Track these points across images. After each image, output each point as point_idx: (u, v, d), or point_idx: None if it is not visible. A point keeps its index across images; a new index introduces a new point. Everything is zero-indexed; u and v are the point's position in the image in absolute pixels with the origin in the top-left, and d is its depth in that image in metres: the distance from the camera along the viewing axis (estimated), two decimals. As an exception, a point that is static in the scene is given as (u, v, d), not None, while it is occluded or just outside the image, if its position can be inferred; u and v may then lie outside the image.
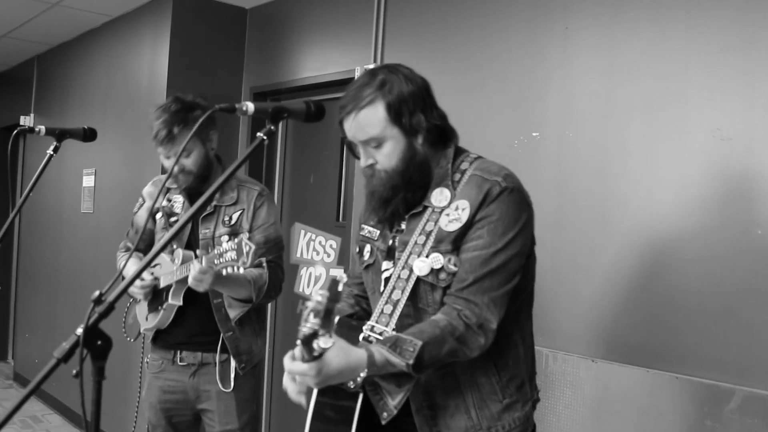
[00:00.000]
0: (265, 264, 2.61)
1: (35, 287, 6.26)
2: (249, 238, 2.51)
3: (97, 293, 1.30)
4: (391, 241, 1.78)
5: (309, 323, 1.30)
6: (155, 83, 4.44)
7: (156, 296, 2.70)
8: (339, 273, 1.48)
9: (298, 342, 1.35)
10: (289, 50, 4.29)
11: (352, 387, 1.57)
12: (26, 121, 6.33)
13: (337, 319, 1.73)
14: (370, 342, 1.61)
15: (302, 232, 4.61)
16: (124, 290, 1.35)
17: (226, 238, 2.57)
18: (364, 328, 1.66)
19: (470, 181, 1.68)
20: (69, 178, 5.60)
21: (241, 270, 2.27)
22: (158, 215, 2.76)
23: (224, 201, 2.68)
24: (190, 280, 2.37)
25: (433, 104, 1.74)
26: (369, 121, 1.66)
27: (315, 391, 1.64)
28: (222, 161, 2.78)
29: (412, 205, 1.73)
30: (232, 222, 2.64)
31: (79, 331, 1.27)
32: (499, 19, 3.05)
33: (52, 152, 2.18)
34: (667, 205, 2.46)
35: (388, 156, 1.68)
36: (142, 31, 4.70)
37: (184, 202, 2.72)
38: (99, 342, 1.29)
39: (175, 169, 2.57)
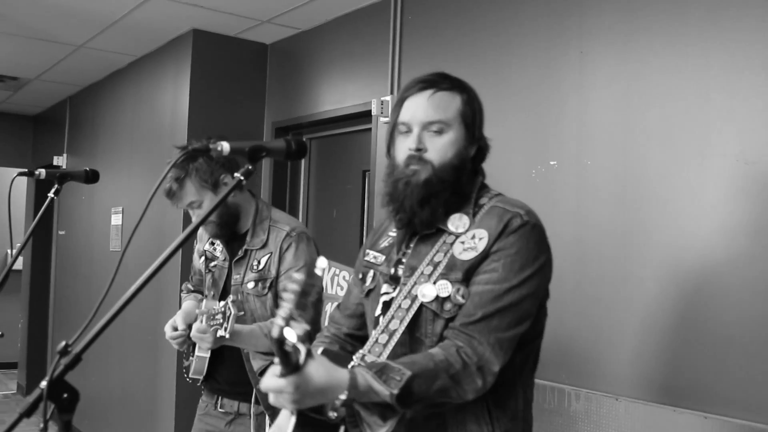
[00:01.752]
0: None
1: (68, 325, 6.31)
2: (269, 286, 2.44)
3: (63, 344, 1.24)
4: (395, 267, 1.66)
5: (282, 313, 1.16)
6: (177, 120, 4.46)
7: (190, 346, 2.65)
8: (321, 259, 1.40)
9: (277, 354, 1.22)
10: (309, 84, 4.27)
11: (333, 417, 1.42)
12: (59, 161, 6.44)
13: (320, 352, 1.62)
14: None
15: (326, 267, 4.57)
16: (92, 341, 1.29)
17: (251, 284, 2.50)
18: (354, 357, 1.54)
19: (490, 212, 1.59)
20: (98, 217, 5.65)
21: (225, 334, 2.18)
22: (202, 259, 2.73)
23: (254, 245, 2.53)
24: (192, 338, 2.31)
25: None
26: (445, 103, 1.60)
27: (291, 424, 1.50)
28: (257, 199, 2.63)
29: (435, 221, 1.60)
30: (260, 267, 2.50)
31: (44, 384, 1.21)
32: (513, 46, 2.98)
33: (53, 195, 2.15)
34: (690, 234, 2.33)
35: (445, 146, 1.59)
36: (164, 69, 4.73)
37: (223, 247, 2.65)
38: (65, 395, 1.23)
39: (195, 220, 2.51)
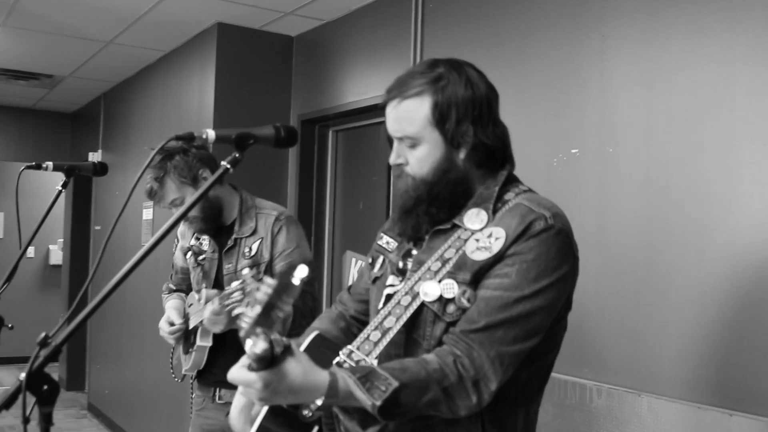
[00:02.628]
0: None
1: (104, 319, 6.39)
2: (265, 270, 2.42)
3: (42, 335, 1.22)
4: (405, 258, 1.55)
5: (247, 316, 1.10)
6: (203, 115, 4.46)
7: (187, 338, 2.64)
8: (302, 267, 1.17)
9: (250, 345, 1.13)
10: (334, 76, 4.23)
11: (308, 416, 1.30)
12: (94, 157, 6.51)
13: (313, 336, 1.57)
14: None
15: (353, 260, 4.53)
16: (72, 333, 1.26)
17: (246, 270, 2.50)
18: (341, 352, 1.42)
19: (514, 210, 1.42)
20: (131, 212, 5.70)
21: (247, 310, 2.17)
22: (188, 254, 2.72)
23: (243, 232, 2.58)
24: (205, 322, 2.30)
25: (493, 119, 1.49)
26: (409, 115, 1.44)
27: (262, 413, 1.40)
28: (239, 190, 2.66)
29: (439, 221, 1.49)
30: (253, 253, 2.54)
31: (23, 375, 1.19)
32: (534, 32, 2.89)
33: (60, 188, 2.15)
34: (716, 222, 2.23)
35: (420, 161, 1.46)
36: (190, 63, 4.74)
37: (210, 240, 2.65)
38: (45, 387, 1.21)
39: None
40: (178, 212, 1.35)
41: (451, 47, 3.33)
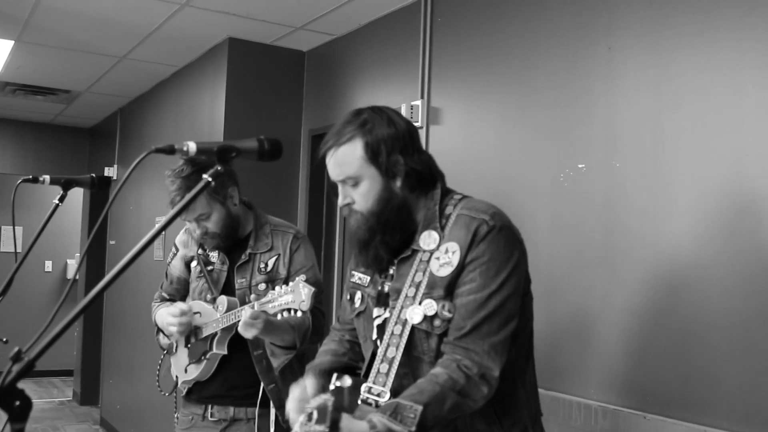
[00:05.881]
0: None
1: (118, 334, 6.40)
2: (288, 282, 2.39)
3: (15, 350, 1.19)
4: (380, 287, 1.72)
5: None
6: (214, 130, 4.47)
7: (199, 346, 2.60)
8: (345, 378, 1.49)
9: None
10: (344, 91, 4.22)
11: None
12: (110, 171, 6.56)
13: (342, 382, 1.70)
14: (369, 404, 1.56)
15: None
16: (47, 347, 1.23)
17: (263, 286, 2.49)
18: (362, 389, 1.60)
19: (457, 222, 1.63)
20: (144, 227, 5.72)
21: (299, 314, 2.17)
22: (193, 263, 2.69)
23: (259, 248, 2.57)
24: (240, 326, 2.26)
25: (416, 148, 1.69)
26: (346, 158, 1.64)
27: None
28: (254, 207, 2.67)
29: (397, 250, 1.68)
30: (269, 269, 2.54)
31: (-7, 391, 1.16)
32: (541, 45, 2.86)
33: (58, 201, 2.13)
34: (726, 237, 2.16)
35: (364, 196, 1.65)
36: (202, 79, 4.76)
37: (219, 252, 2.62)
38: (17, 403, 1.18)
39: (197, 233, 2.52)
40: (159, 224, 1.33)
41: (459, 61, 3.30)
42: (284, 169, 4.47)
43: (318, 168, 4.46)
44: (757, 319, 2.07)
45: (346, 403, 1.48)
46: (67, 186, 2.15)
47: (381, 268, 1.72)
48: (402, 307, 1.62)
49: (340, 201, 1.69)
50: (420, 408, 1.45)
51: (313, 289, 2.14)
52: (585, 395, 2.48)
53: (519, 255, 1.62)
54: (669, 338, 2.28)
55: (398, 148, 1.64)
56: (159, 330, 2.75)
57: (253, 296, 2.30)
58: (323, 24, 4.06)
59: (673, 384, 2.25)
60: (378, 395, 1.57)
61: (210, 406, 2.59)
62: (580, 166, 2.63)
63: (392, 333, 1.62)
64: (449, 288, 1.59)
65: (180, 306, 2.52)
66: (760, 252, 2.08)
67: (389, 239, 1.66)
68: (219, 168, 1.37)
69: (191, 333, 2.58)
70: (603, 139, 2.56)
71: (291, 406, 1.73)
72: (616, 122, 2.52)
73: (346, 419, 1.43)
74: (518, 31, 2.97)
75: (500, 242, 1.59)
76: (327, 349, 1.90)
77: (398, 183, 1.66)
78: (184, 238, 2.78)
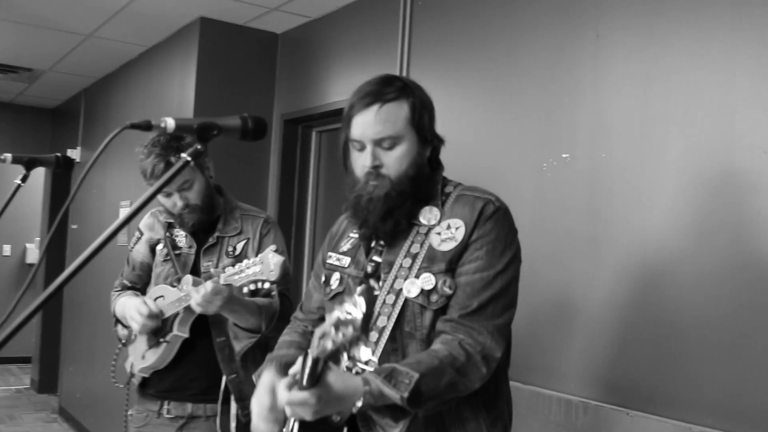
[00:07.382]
0: (275, 293, 2.41)
1: (78, 320, 6.22)
2: None
3: (-27, 340, 1.09)
4: (369, 267, 1.65)
5: (341, 335, 1.22)
6: (183, 112, 4.33)
7: (157, 329, 2.47)
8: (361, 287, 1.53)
9: (302, 366, 1.29)
10: (319, 75, 4.11)
11: (337, 420, 1.46)
12: (73, 154, 6.35)
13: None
14: (357, 373, 1.50)
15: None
16: (10, 336, 1.14)
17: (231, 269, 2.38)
18: (347, 356, 1.54)
19: (459, 200, 1.61)
20: (108, 211, 5.55)
21: (267, 285, 2.11)
22: (159, 246, 2.57)
23: (227, 231, 2.50)
24: (199, 299, 2.15)
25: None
26: (391, 116, 1.56)
27: (295, 428, 1.52)
28: (223, 191, 2.59)
29: (394, 234, 1.62)
30: (237, 252, 2.46)
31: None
32: (525, 30, 2.79)
33: (20, 182, 2.00)
34: (713, 229, 2.12)
35: (399, 159, 1.58)
36: (172, 59, 4.61)
37: (186, 235, 2.52)
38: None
39: (179, 205, 2.40)
40: (140, 199, 1.24)
41: (440, 47, 3.22)
42: (255, 155, 4.35)
43: (290, 153, 4.36)
44: (742, 312, 2.03)
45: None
46: (30, 165, 2.02)
47: (369, 247, 1.66)
48: (396, 277, 1.57)
49: (369, 162, 1.57)
50: (416, 375, 1.40)
51: (282, 258, 2.08)
52: (565, 390, 2.43)
53: (518, 243, 1.62)
54: (653, 332, 2.24)
55: (433, 119, 1.64)
56: (117, 321, 2.62)
57: (219, 268, 2.23)
58: (299, 5, 3.94)
59: (657, 380, 2.21)
60: (366, 363, 1.52)
61: (166, 402, 2.47)
62: (564, 155, 2.57)
63: (384, 302, 1.57)
64: (451, 264, 1.55)
65: (151, 307, 2.38)
66: (747, 244, 2.04)
67: (413, 207, 1.60)
68: (199, 147, 1.27)
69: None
70: (589, 128, 2.50)
71: (256, 410, 1.60)
72: (603, 111, 2.46)
73: (342, 374, 1.40)
74: (502, 15, 2.90)
75: (506, 224, 1.59)
76: (291, 341, 1.81)
77: (428, 153, 1.63)
78: (150, 221, 2.67)
